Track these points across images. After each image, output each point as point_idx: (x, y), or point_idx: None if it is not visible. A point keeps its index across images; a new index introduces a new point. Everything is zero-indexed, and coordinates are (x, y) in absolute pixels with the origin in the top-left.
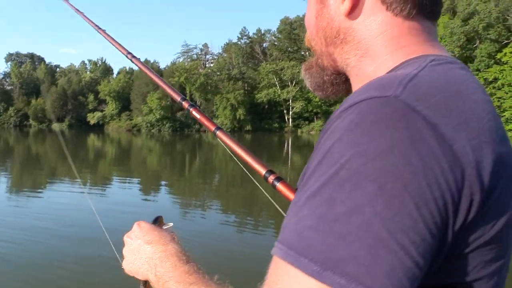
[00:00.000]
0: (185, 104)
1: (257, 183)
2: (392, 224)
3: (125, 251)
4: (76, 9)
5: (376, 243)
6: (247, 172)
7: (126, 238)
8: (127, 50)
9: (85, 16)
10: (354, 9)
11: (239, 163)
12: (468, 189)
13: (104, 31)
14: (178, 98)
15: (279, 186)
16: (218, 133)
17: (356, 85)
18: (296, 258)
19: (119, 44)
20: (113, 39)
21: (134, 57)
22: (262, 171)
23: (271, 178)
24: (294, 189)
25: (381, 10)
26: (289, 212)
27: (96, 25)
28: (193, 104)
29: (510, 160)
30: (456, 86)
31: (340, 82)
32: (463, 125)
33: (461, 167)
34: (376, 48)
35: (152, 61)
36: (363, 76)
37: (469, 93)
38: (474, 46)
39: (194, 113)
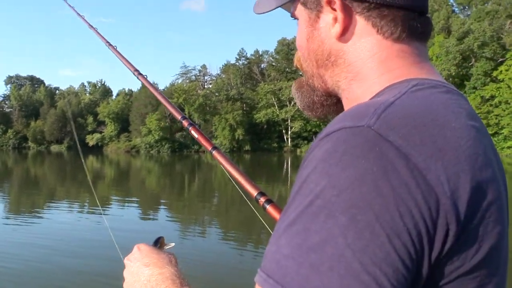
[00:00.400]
0: (185, 123)
1: (250, 204)
2: (364, 255)
3: (125, 273)
4: (90, 25)
5: (347, 274)
6: (241, 193)
7: (126, 261)
8: (134, 67)
9: (97, 32)
10: (345, 32)
11: (235, 184)
12: (443, 219)
13: (114, 47)
14: (178, 116)
15: (269, 208)
16: (215, 153)
17: (347, 108)
18: (273, 286)
19: (127, 61)
20: (122, 55)
21: (140, 74)
22: (254, 192)
23: (261, 200)
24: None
25: (372, 33)
26: (270, 240)
27: (108, 41)
28: (193, 123)
29: (492, 185)
30: (433, 113)
31: (331, 103)
32: (438, 154)
33: (436, 197)
34: (365, 71)
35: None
36: (352, 99)
37: (449, 120)
38: (470, 64)
39: (193, 132)
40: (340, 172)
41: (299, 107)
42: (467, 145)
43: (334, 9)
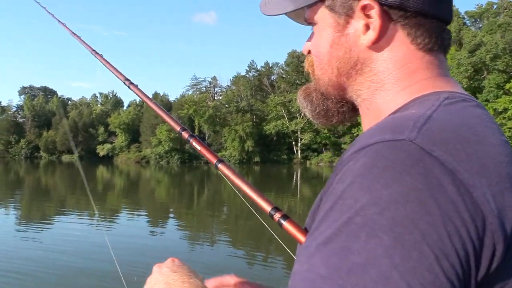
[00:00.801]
0: (185, 134)
1: (262, 221)
2: (412, 278)
3: (150, 277)
4: (73, 32)
5: None
6: (251, 208)
7: (155, 267)
8: (124, 76)
9: (81, 40)
10: (378, 40)
11: (243, 199)
12: (490, 239)
13: (101, 55)
14: (177, 127)
15: (286, 225)
16: (220, 166)
17: (366, 119)
18: None
19: (116, 70)
20: (110, 64)
21: (131, 83)
22: (268, 208)
23: (277, 216)
24: (302, 229)
25: (405, 42)
26: (300, 258)
27: (93, 50)
28: (193, 135)
29: None
30: (473, 128)
31: (347, 110)
32: (482, 171)
33: (482, 216)
34: (391, 82)
35: (162, 94)
36: (374, 110)
37: (487, 136)
38: (482, 77)
39: (195, 144)
40: (382, 188)
41: (310, 115)
42: (505, 161)
43: (368, 16)
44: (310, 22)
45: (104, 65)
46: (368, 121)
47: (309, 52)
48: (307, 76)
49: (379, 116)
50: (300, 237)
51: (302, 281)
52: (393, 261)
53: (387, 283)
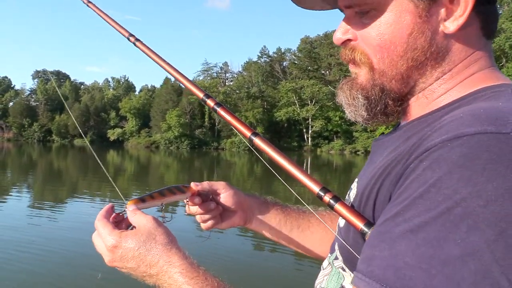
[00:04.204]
0: (210, 102)
1: (306, 205)
2: None
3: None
4: None
5: None
6: (293, 191)
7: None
8: (129, 32)
9: None
10: (461, 28)
11: (281, 179)
12: None
13: (94, 5)
14: (201, 94)
15: (338, 207)
16: (256, 140)
17: (418, 107)
18: None
19: (118, 24)
20: (108, 16)
21: (137, 40)
22: (315, 188)
23: (327, 198)
24: (356, 212)
25: (478, 29)
26: (376, 242)
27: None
28: (220, 103)
29: None
30: None
31: (401, 108)
32: None
33: None
34: (460, 70)
35: (173, 79)
36: (432, 99)
37: None
38: (501, 64)
39: (223, 113)
40: (486, 181)
41: (363, 114)
42: None
43: (452, 1)
44: (368, 9)
45: (103, 17)
46: (419, 108)
47: (347, 40)
48: (320, 62)
49: (437, 103)
50: (355, 220)
51: (384, 268)
52: (495, 256)
53: (487, 277)
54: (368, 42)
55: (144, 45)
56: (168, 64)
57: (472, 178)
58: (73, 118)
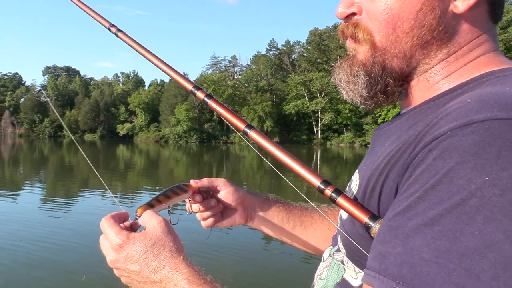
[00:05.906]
0: (200, 95)
1: (306, 198)
2: None
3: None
4: None
5: None
6: (292, 185)
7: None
8: (109, 23)
9: None
10: (472, 8)
11: (280, 174)
12: None
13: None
14: (190, 86)
15: (340, 200)
16: (251, 133)
17: (420, 92)
18: None
19: (99, 15)
20: (89, 7)
21: (119, 30)
22: (316, 182)
23: (328, 191)
24: (360, 205)
25: (486, 12)
26: (388, 238)
27: None
28: (211, 95)
29: None
30: None
31: (401, 89)
32: None
33: None
34: (465, 53)
35: (182, 73)
36: (434, 82)
37: None
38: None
39: (214, 105)
40: (501, 169)
41: (362, 93)
42: None
43: None
44: None
45: (82, 9)
46: (420, 92)
47: (351, 14)
48: (329, 55)
49: (438, 87)
50: (359, 214)
51: (399, 264)
52: None
53: (508, 269)
54: (374, 16)
55: (127, 35)
56: (152, 55)
57: (486, 166)
58: (54, 109)
